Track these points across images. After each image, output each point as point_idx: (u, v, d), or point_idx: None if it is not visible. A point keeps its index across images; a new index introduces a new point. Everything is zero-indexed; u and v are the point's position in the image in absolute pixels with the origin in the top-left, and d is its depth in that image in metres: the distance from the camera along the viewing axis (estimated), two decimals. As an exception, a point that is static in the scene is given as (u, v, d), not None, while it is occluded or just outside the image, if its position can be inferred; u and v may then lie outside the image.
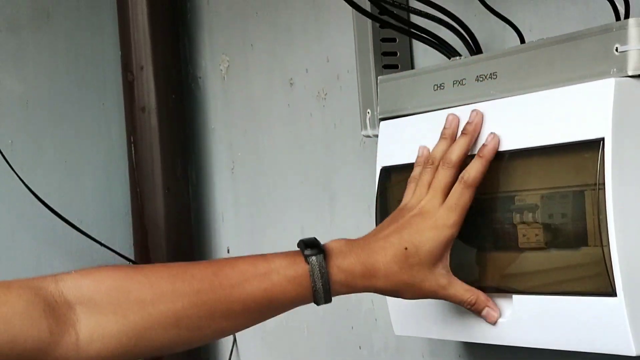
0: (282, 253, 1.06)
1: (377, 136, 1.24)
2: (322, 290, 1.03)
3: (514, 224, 1.04)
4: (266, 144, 1.65)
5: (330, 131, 1.50)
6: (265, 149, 1.66)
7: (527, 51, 1.04)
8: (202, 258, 1.81)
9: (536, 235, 1.02)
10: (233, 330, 1.09)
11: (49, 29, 1.84)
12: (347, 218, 1.47)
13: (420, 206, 1.06)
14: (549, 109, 1.01)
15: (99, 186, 1.87)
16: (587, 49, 0.98)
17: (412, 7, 1.19)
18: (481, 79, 1.09)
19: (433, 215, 1.05)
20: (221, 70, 1.75)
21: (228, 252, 1.77)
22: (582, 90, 0.98)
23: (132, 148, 1.81)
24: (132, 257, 1.83)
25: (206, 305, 1.02)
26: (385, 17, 1.22)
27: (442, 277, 1.05)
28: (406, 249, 1.04)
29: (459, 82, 1.11)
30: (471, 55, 1.16)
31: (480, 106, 1.08)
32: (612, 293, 0.95)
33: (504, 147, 1.05)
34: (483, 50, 1.17)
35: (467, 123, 1.07)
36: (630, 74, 0.95)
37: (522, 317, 1.04)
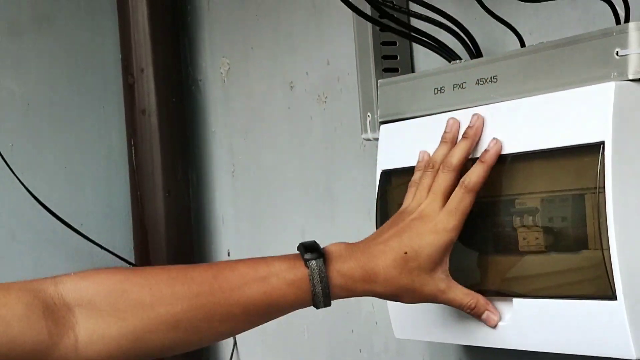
0: (281, 256, 1.06)
1: (377, 139, 1.24)
2: (321, 295, 1.03)
3: (514, 228, 1.04)
4: (266, 147, 1.65)
5: (330, 134, 1.50)
6: (266, 151, 1.66)
7: (527, 55, 1.04)
8: (203, 261, 1.81)
9: (536, 238, 1.02)
10: (232, 333, 1.09)
11: (50, 32, 1.84)
12: (348, 221, 1.47)
13: (420, 210, 1.06)
14: (549, 112, 1.01)
15: (99, 189, 1.87)
16: (587, 52, 0.98)
17: (412, 11, 1.19)
18: (481, 82, 1.09)
19: (433, 219, 1.05)
20: (221, 73, 1.75)
21: (228, 254, 1.77)
22: (583, 94, 0.98)
23: (133, 150, 1.81)
24: (132, 260, 1.83)
25: (205, 308, 1.02)
26: (385, 21, 1.22)
27: (442, 281, 1.05)
28: (406, 253, 1.04)
29: (460, 86, 1.11)
30: (471, 58, 1.16)
31: (480, 110, 1.08)
32: (612, 296, 0.95)
33: (504, 150, 1.05)
34: (483, 53, 1.17)
35: (468, 127, 1.07)
36: (630, 77, 0.95)
37: (522, 321, 1.04)
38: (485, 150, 1.05)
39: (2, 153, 1.76)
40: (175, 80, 1.81)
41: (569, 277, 1.00)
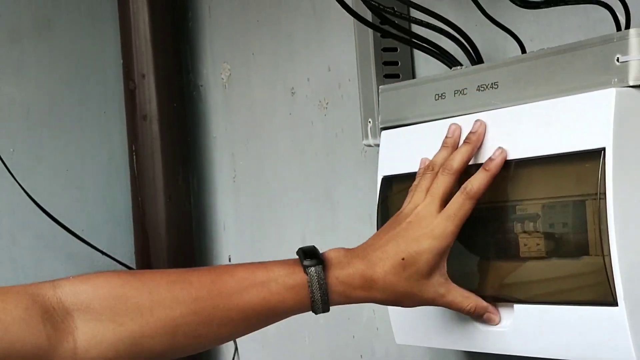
0: (281, 261, 1.06)
1: (378, 145, 1.24)
2: (320, 301, 1.03)
3: (515, 233, 1.04)
4: (267, 153, 1.66)
5: (331, 140, 1.50)
6: (267, 157, 1.66)
7: (528, 61, 1.05)
8: (203, 266, 1.81)
9: (537, 244, 1.02)
10: (231, 337, 1.09)
11: (50, 38, 1.85)
12: (348, 227, 1.48)
13: (416, 212, 1.06)
14: (550, 118, 1.01)
15: (100, 194, 1.87)
16: (588, 59, 0.98)
17: (413, 17, 1.19)
18: (482, 88, 1.09)
19: (430, 222, 1.04)
20: (222, 78, 1.76)
21: (229, 260, 1.77)
22: (583, 100, 0.98)
23: (134, 156, 1.81)
24: (133, 266, 1.83)
25: (204, 313, 1.02)
26: (386, 27, 1.23)
27: (441, 285, 1.05)
28: (403, 259, 1.03)
29: (460, 92, 1.11)
30: (472, 65, 1.16)
31: (481, 116, 1.08)
32: (613, 302, 0.95)
33: (505, 156, 1.06)
34: (484, 60, 1.17)
35: (471, 132, 1.07)
36: (631, 84, 0.95)
37: (523, 327, 1.04)
38: (490, 159, 1.05)
39: (3, 158, 1.76)
40: (176, 85, 1.82)
41: (570, 283, 1.00)
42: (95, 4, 1.88)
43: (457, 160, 1.06)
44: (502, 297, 1.06)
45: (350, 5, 1.22)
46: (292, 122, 1.58)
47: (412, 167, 1.14)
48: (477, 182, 1.04)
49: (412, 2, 1.22)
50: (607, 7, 1.01)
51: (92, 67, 1.87)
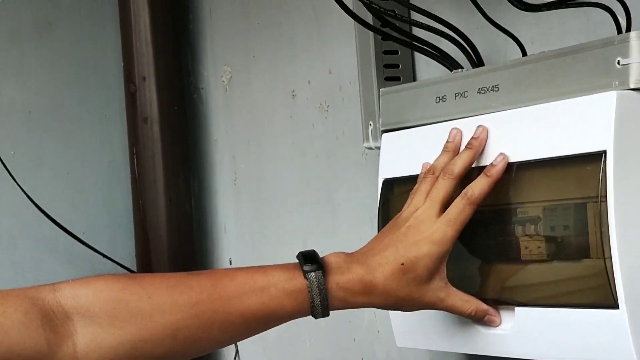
0: (281, 266, 1.05)
1: (379, 148, 1.24)
2: (320, 306, 1.03)
3: (516, 236, 1.04)
4: (268, 155, 1.66)
5: (332, 143, 1.50)
6: (268, 160, 1.66)
7: (529, 64, 1.04)
8: (204, 269, 1.81)
9: (538, 247, 1.02)
10: (230, 341, 1.09)
11: (51, 40, 1.85)
12: (349, 230, 1.48)
13: (416, 215, 1.05)
14: (551, 121, 1.01)
15: (101, 197, 1.87)
16: (589, 61, 0.98)
17: (414, 20, 1.19)
18: (483, 91, 1.09)
19: (429, 227, 1.04)
20: (223, 81, 1.76)
21: (230, 263, 1.77)
22: (584, 103, 0.98)
23: (134, 159, 1.81)
24: (134, 268, 1.83)
25: (204, 317, 1.02)
26: (387, 30, 1.23)
27: (440, 289, 1.04)
28: (403, 264, 1.03)
29: (461, 95, 1.11)
30: (473, 67, 1.16)
31: (482, 119, 1.08)
32: (615, 305, 0.95)
33: (506, 159, 1.06)
34: (485, 62, 1.17)
35: (473, 138, 1.07)
36: (632, 86, 0.95)
37: (524, 329, 1.04)
38: (492, 165, 1.04)
39: (3, 161, 1.76)
40: (177, 88, 1.82)
41: (571, 286, 1.00)
42: (95, 6, 1.88)
43: (459, 165, 1.06)
44: (503, 300, 1.06)
45: (351, 7, 1.22)
46: (293, 124, 1.58)
47: (413, 169, 1.14)
48: (478, 187, 1.04)
49: (413, 4, 1.22)
50: (608, 9, 1.01)
51: (93, 70, 1.88)
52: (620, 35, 0.97)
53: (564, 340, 1.00)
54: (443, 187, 1.05)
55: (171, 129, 1.80)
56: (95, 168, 1.87)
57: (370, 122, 1.33)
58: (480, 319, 1.07)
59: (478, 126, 1.07)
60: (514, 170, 1.04)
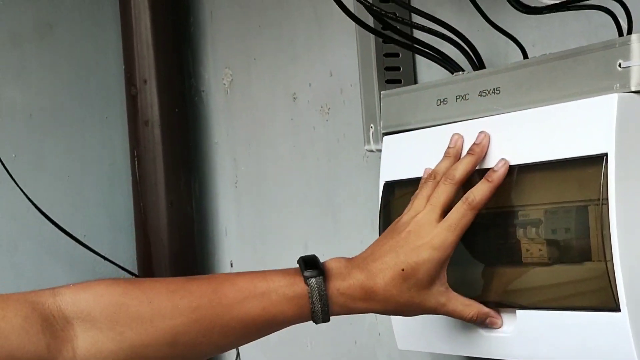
0: (281, 271, 1.05)
1: (380, 151, 1.24)
2: (320, 312, 1.03)
3: (517, 239, 1.04)
4: (269, 158, 1.66)
5: (333, 145, 1.50)
6: (269, 162, 1.66)
7: (530, 66, 1.04)
8: (206, 272, 1.81)
9: (540, 250, 1.02)
10: (230, 346, 1.08)
11: (52, 42, 1.85)
12: (351, 233, 1.47)
13: (416, 220, 1.05)
14: (552, 124, 1.01)
15: (102, 199, 1.87)
16: (590, 64, 0.98)
17: (415, 23, 1.19)
18: (484, 94, 1.09)
19: (429, 232, 1.03)
20: (224, 84, 1.76)
21: (231, 266, 1.77)
22: (585, 106, 0.98)
23: (135, 161, 1.81)
24: (135, 271, 1.83)
25: (205, 322, 1.02)
26: (388, 32, 1.23)
27: (441, 294, 1.04)
28: (403, 270, 1.03)
29: (462, 97, 1.11)
30: (474, 70, 1.16)
31: (483, 121, 1.08)
32: (616, 308, 0.95)
33: (507, 162, 1.05)
34: (486, 65, 1.17)
35: (474, 144, 1.07)
36: (633, 89, 0.95)
37: (525, 332, 1.04)
38: (493, 170, 1.04)
39: (4, 163, 1.76)
40: (178, 91, 1.82)
41: (573, 289, 1.00)
42: (96, 8, 1.88)
43: (460, 170, 1.06)
44: (505, 303, 1.06)
45: (352, 10, 1.22)
46: (294, 127, 1.58)
47: (414, 172, 1.14)
48: (479, 192, 1.04)
49: (414, 7, 1.22)
50: (609, 12, 1.01)
51: (94, 72, 1.88)
52: (621, 37, 0.97)
53: (566, 343, 1.00)
54: (444, 191, 1.05)
55: (172, 132, 1.80)
56: (96, 170, 1.87)
57: (371, 125, 1.33)
58: (482, 322, 1.07)
59: (480, 132, 1.07)
60: (515, 173, 1.04)
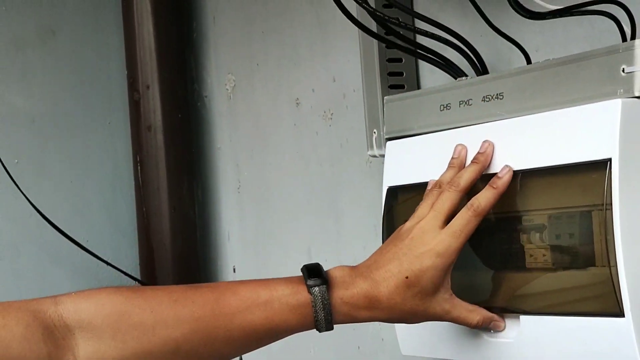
0: (284, 279, 1.05)
1: (383, 156, 1.24)
2: (324, 321, 1.02)
3: (521, 244, 1.04)
4: (272, 163, 1.66)
5: (336, 151, 1.50)
6: (272, 168, 1.66)
7: (533, 72, 1.04)
8: (208, 277, 1.81)
9: (543, 255, 1.02)
10: (233, 355, 1.08)
11: (55, 47, 1.85)
12: (354, 238, 1.47)
13: (419, 226, 1.04)
14: (556, 129, 1.01)
15: (104, 205, 1.87)
16: (593, 69, 0.98)
17: (418, 28, 1.19)
18: (487, 99, 1.09)
19: (432, 238, 1.03)
20: (227, 89, 1.76)
21: (234, 271, 1.77)
22: (589, 111, 0.98)
23: (138, 167, 1.81)
24: (137, 276, 1.83)
25: (206, 332, 1.02)
26: (391, 38, 1.23)
27: (445, 301, 1.04)
28: (407, 277, 1.02)
29: (466, 103, 1.11)
30: (477, 75, 1.16)
31: (486, 127, 1.08)
32: (620, 313, 0.95)
33: (511, 167, 1.05)
34: (489, 70, 1.17)
35: (479, 153, 1.07)
36: (637, 94, 0.95)
37: (529, 338, 1.04)
38: (497, 177, 1.04)
39: (7, 169, 1.76)
40: (180, 96, 1.82)
41: (576, 294, 1.00)
42: (99, 14, 1.88)
43: (465, 178, 1.06)
44: (508, 309, 1.06)
45: (355, 16, 1.22)
46: (297, 132, 1.58)
47: (417, 177, 1.14)
48: (484, 199, 1.03)
49: (417, 12, 1.22)
50: (613, 17, 1.01)
51: (97, 78, 1.88)
52: (625, 43, 0.97)
53: (569, 348, 1.00)
54: (448, 198, 1.05)
55: (175, 137, 1.80)
56: (98, 176, 1.87)
57: (375, 130, 1.33)
58: (485, 327, 1.07)
59: (484, 141, 1.07)
60: (519, 179, 1.04)
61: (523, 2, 1.07)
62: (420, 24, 1.19)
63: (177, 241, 1.79)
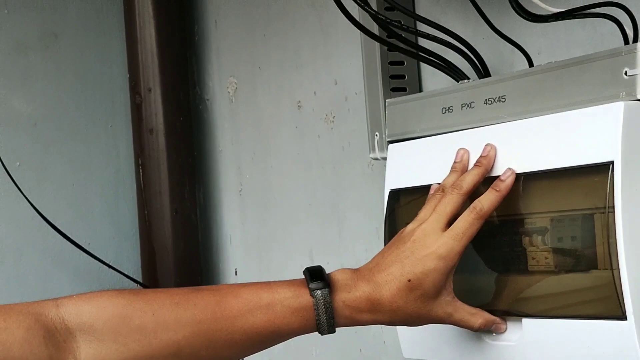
0: (286, 282, 1.05)
1: (385, 159, 1.24)
2: (326, 324, 1.02)
3: (523, 247, 1.04)
4: (274, 166, 1.66)
5: (338, 154, 1.50)
6: (273, 171, 1.66)
7: (535, 74, 1.04)
8: (210, 280, 1.81)
9: (546, 258, 1.02)
10: (233, 358, 1.08)
11: (57, 51, 1.85)
12: (356, 241, 1.47)
13: (421, 228, 1.04)
14: (558, 132, 1.01)
15: (106, 208, 1.87)
16: (596, 72, 0.98)
17: (420, 31, 1.19)
18: (490, 102, 1.09)
19: (435, 241, 1.03)
20: (229, 92, 1.76)
21: (236, 274, 1.77)
22: (591, 114, 0.98)
23: (140, 170, 1.81)
24: (139, 279, 1.83)
25: (208, 335, 1.01)
26: (393, 40, 1.23)
27: (448, 304, 1.04)
28: (409, 280, 1.02)
29: (468, 105, 1.11)
30: (480, 78, 1.16)
31: (489, 129, 1.08)
32: (622, 316, 0.95)
33: (513, 170, 1.05)
34: (491, 73, 1.17)
35: (481, 156, 1.06)
36: (639, 97, 0.95)
37: (531, 341, 1.04)
38: (500, 180, 1.04)
39: (9, 172, 1.76)
40: (182, 99, 1.82)
41: (579, 297, 1.00)
42: (101, 18, 1.88)
43: (467, 181, 1.05)
44: (511, 312, 1.06)
45: (357, 18, 1.22)
46: (299, 135, 1.58)
47: (419, 180, 1.14)
48: (487, 201, 1.03)
49: (419, 15, 1.22)
50: (615, 20, 1.01)
51: (99, 81, 1.88)
52: (627, 46, 0.97)
53: (572, 351, 1.00)
54: (450, 201, 1.05)
55: (177, 140, 1.81)
56: (100, 179, 1.87)
57: (377, 133, 1.32)
58: (487, 330, 1.06)
59: (486, 144, 1.07)
60: (521, 181, 1.04)
61: (525, 5, 1.06)
62: (423, 27, 1.19)
63: (178, 244, 1.79)
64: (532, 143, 1.03)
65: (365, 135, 1.36)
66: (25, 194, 1.76)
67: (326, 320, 1.02)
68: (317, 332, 1.05)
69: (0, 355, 0.95)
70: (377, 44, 1.30)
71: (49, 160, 1.84)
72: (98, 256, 1.80)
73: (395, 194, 1.20)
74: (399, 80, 1.32)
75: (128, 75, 1.84)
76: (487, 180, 1.06)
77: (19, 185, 1.76)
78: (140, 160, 1.81)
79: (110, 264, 1.82)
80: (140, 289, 1.73)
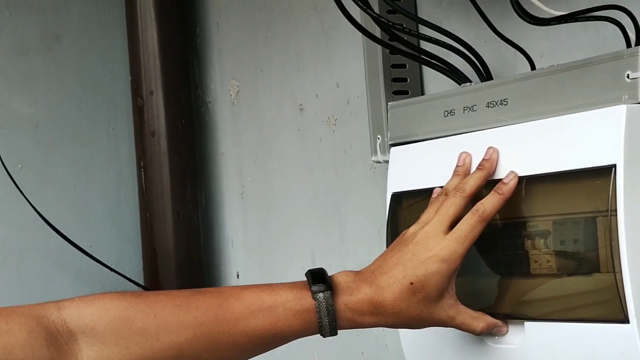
0: (288, 284, 1.04)
1: (387, 162, 1.24)
2: (328, 327, 1.02)
3: (525, 250, 1.04)
4: (276, 169, 1.66)
5: (340, 156, 1.50)
6: (275, 173, 1.66)
7: (538, 77, 1.04)
8: (212, 283, 1.81)
9: (548, 261, 1.02)
10: None
11: (59, 53, 1.85)
12: (357, 243, 1.47)
13: (423, 231, 1.04)
14: (560, 135, 1.01)
15: (108, 210, 1.87)
16: (598, 75, 0.98)
17: (422, 34, 1.19)
18: (492, 105, 1.09)
19: (437, 243, 1.03)
20: (231, 95, 1.76)
21: (237, 276, 1.77)
22: (594, 117, 0.98)
23: (142, 172, 1.81)
24: (141, 282, 1.83)
25: (210, 338, 1.01)
26: (395, 43, 1.23)
27: (450, 307, 1.04)
28: (412, 283, 1.02)
29: (470, 108, 1.11)
30: (481, 81, 1.16)
31: (491, 132, 1.08)
32: (625, 320, 0.95)
33: (515, 173, 1.05)
34: (493, 76, 1.17)
35: (484, 159, 1.06)
36: (641, 100, 0.95)
37: (533, 344, 1.04)
38: (503, 183, 1.04)
39: (11, 174, 1.76)
40: (184, 102, 1.82)
41: (581, 300, 1.00)
42: (103, 20, 1.88)
43: (470, 184, 1.05)
44: (513, 315, 1.06)
45: (359, 21, 1.22)
46: (301, 138, 1.58)
47: (421, 183, 1.14)
48: (489, 204, 1.03)
49: (421, 18, 1.22)
50: (617, 23, 1.01)
51: (101, 83, 1.88)
52: (629, 49, 0.97)
53: (574, 355, 1.00)
54: (453, 204, 1.05)
55: (179, 143, 1.81)
56: (102, 181, 1.87)
57: (379, 136, 1.32)
58: (489, 333, 1.06)
59: (489, 148, 1.07)
60: (523, 184, 1.04)
61: (527, 8, 1.06)
62: (425, 30, 1.19)
63: (180, 247, 1.79)
64: (535, 146, 1.03)
65: (367, 138, 1.36)
66: (27, 197, 1.76)
67: (328, 323, 1.02)
68: (319, 335, 1.05)
69: (2, 358, 0.95)
70: (379, 47, 1.30)
71: (50, 162, 1.84)
72: (100, 259, 1.80)
73: (397, 197, 1.20)
74: (401, 83, 1.32)
75: (130, 78, 1.84)
76: (490, 184, 1.06)
77: (21, 188, 1.76)
78: (142, 162, 1.81)
79: (112, 266, 1.82)
80: (142, 292, 1.73)
